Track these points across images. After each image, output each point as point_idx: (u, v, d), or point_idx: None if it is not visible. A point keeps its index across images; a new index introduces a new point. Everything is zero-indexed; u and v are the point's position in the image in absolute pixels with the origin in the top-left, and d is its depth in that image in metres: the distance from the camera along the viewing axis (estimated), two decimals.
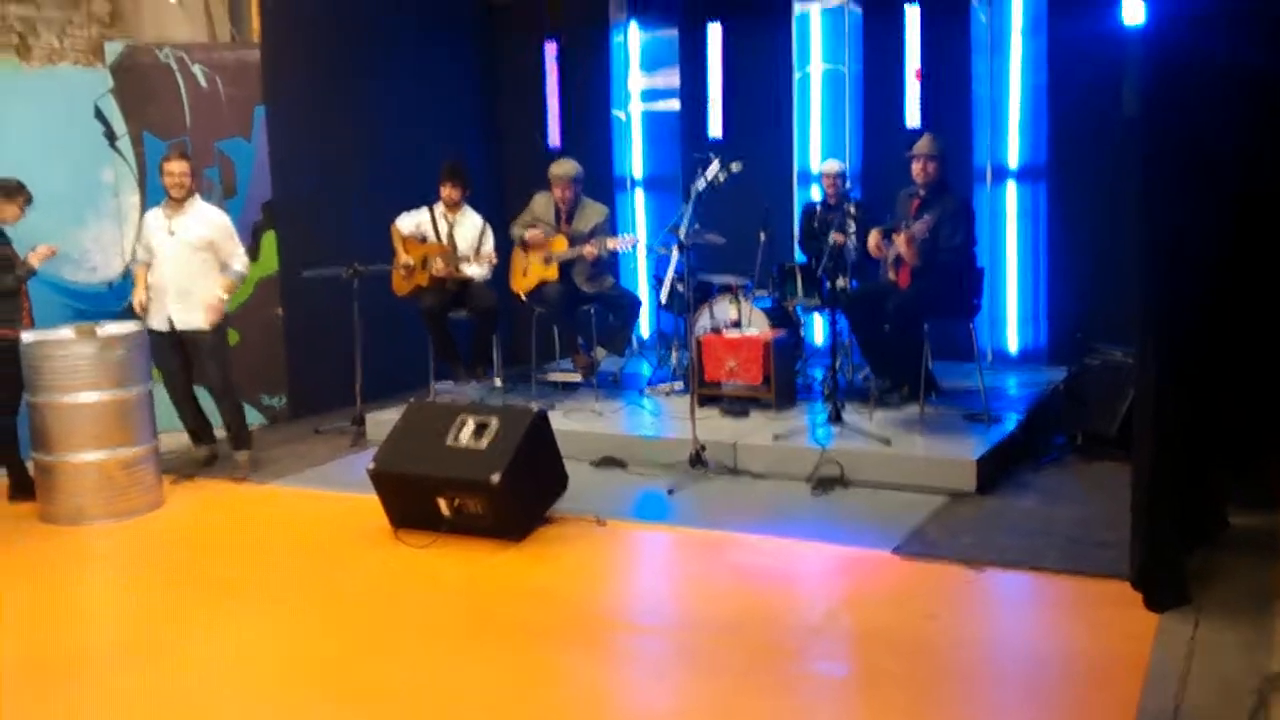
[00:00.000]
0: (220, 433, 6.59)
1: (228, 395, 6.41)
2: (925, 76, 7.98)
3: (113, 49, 7.32)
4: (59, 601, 4.70)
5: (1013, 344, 8.06)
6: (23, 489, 5.95)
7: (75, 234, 7.09)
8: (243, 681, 3.82)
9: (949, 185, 6.35)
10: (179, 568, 5.09)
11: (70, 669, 3.96)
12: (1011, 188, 7.99)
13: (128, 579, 5.08)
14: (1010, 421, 6.19)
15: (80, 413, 5.61)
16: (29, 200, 5.97)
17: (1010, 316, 8.03)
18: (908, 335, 6.16)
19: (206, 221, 6.26)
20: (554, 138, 9.26)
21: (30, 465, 5.89)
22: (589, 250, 7.00)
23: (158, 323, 6.27)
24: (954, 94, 7.96)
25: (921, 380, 6.24)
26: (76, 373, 5.59)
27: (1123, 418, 5.79)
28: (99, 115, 7.29)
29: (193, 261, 6.21)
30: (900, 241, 5.97)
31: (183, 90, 7.42)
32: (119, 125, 7.34)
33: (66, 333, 5.75)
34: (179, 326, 6.22)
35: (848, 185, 7.58)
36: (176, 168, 6.17)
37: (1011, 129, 7.92)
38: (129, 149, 7.37)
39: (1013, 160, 7.96)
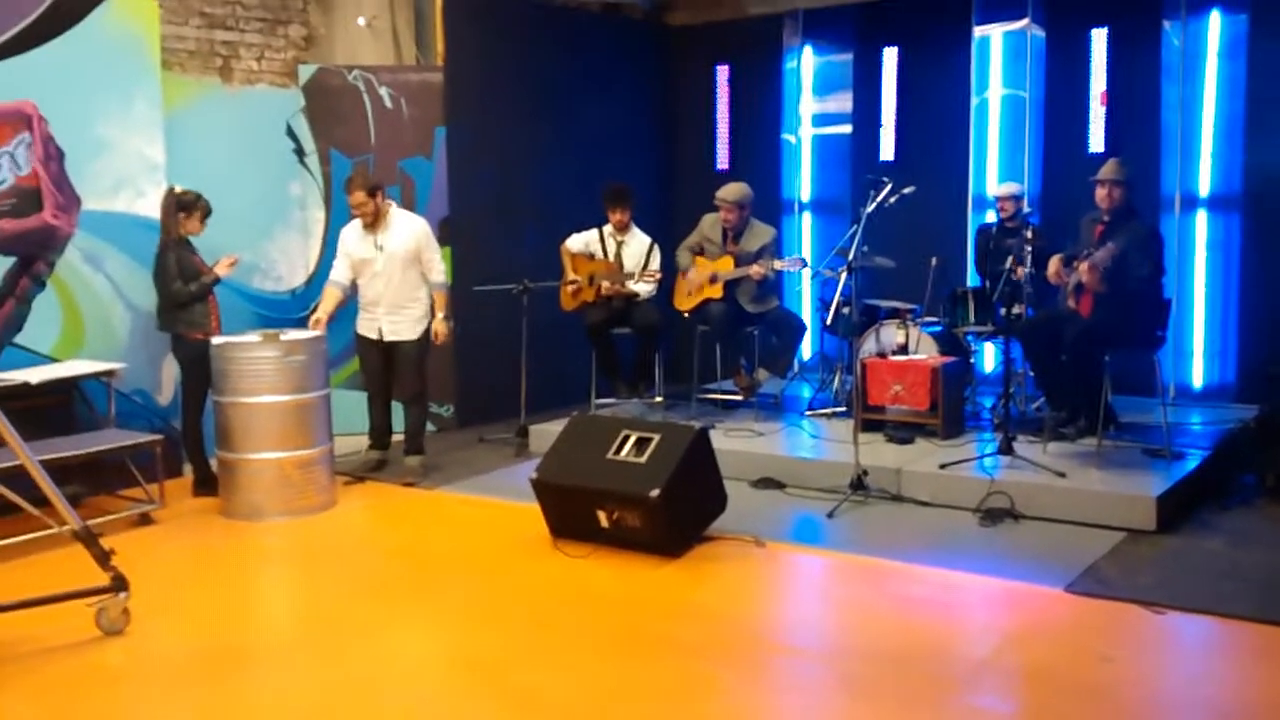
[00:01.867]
0: (397, 438, 6.80)
1: (417, 403, 6.61)
2: (1111, 101, 7.70)
3: (306, 71, 7.69)
4: (234, 594, 4.91)
5: (1197, 379, 7.66)
6: (206, 484, 6.25)
7: (263, 245, 7.46)
8: (404, 680, 3.91)
9: (1136, 211, 6.08)
10: (348, 567, 5.27)
11: (240, 662, 4.12)
12: (1202, 217, 7.62)
13: (299, 575, 5.29)
14: (1195, 459, 5.88)
15: (262, 413, 5.87)
16: (208, 212, 6.24)
17: (1196, 350, 7.64)
18: (1087, 366, 5.90)
19: (410, 231, 6.44)
20: (722, 160, 9.30)
21: (213, 462, 6.19)
22: (756, 270, 6.97)
23: (368, 330, 6.54)
24: (1142, 119, 7.65)
25: (1100, 413, 5.97)
26: (261, 376, 5.85)
27: None
28: (290, 133, 7.66)
29: (406, 277, 6.42)
30: (1083, 269, 5.73)
31: (369, 110, 7.73)
32: (308, 143, 7.70)
33: (253, 337, 6.04)
34: (388, 338, 6.44)
35: (1026, 209, 7.34)
36: (354, 200, 6.36)
37: (1203, 156, 7.56)
38: (316, 166, 7.72)
39: (1204, 189, 7.58)
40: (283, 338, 6.01)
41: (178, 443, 6.57)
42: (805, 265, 7.34)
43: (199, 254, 6.24)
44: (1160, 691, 3.73)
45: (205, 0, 7.23)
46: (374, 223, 6.41)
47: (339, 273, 6.57)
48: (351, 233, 6.54)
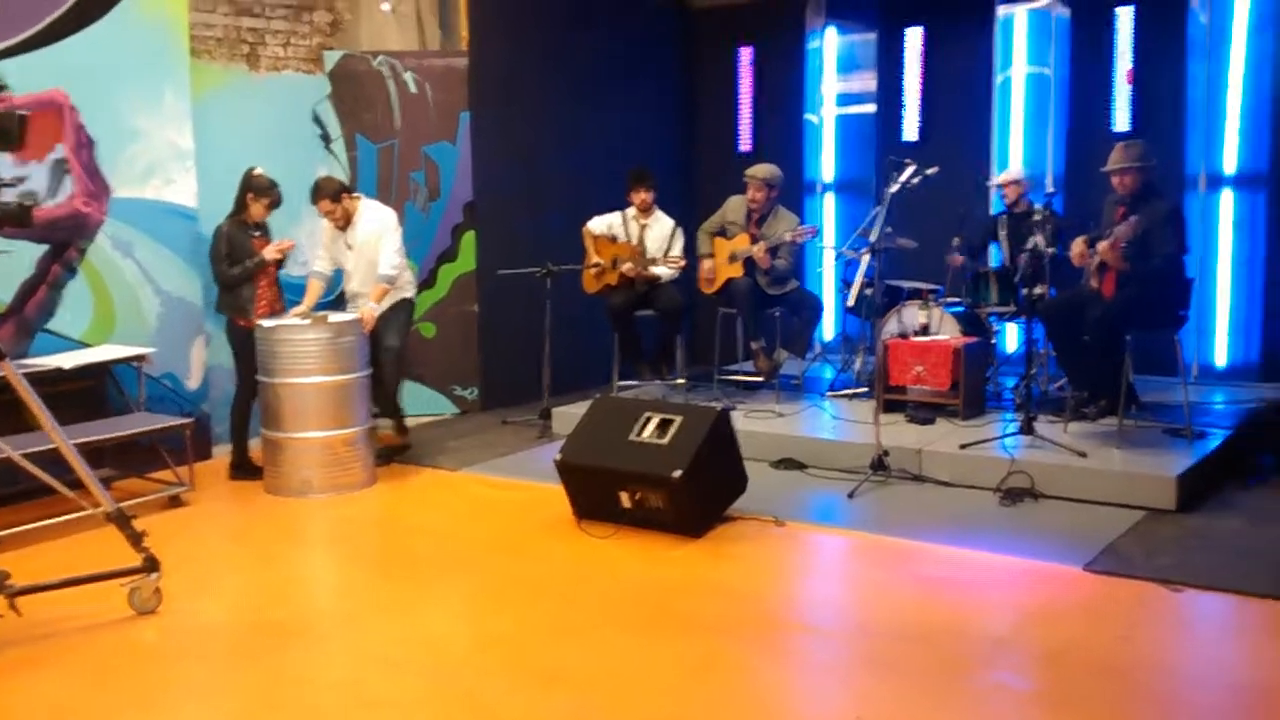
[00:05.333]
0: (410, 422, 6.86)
1: (386, 389, 6.55)
2: (1136, 80, 7.65)
3: (331, 57, 7.75)
4: (266, 573, 5.01)
5: (1221, 358, 7.64)
6: (243, 468, 6.36)
7: (291, 230, 7.48)
8: (431, 658, 3.98)
9: (1158, 190, 6.04)
10: (376, 545, 5.39)
11: (270, 639, 4.21)
12: (1227, 196, 7.57)
13: (328, 553, 5.41)
14: (1216, 438, 5.88)
15: (314, 393, 5.98)
16: (277, 202, 6.31)
17: (1220, 329, 7.61)
18: (1109, 346, 5.90)
19: (374, 225, 6.45)
20: (745, 142, 9.31)
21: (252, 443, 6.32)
22: (758, 252, 6.95)
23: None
24: (1167, 97, 7.61)
25: (1122, 393, 5.97)
26: (313, 357, 5.97)
27: None
28: (316, 119, 7.73)
29: (375, 272, 6.43)
30: (1103, 247, 5.73)
31: (393, 96, 7.79)
32: (334, 129, 7.77)
33: (301, 320, 6.12)
34: (367, 329, 6.45)
35: (1050, 190, 7.29)
36: (321, 210, 6.43)
37: (1229, 134, 7.51)
38: (342, 151, 7.79)
39: (1229, 167, 7.54)
40: (331, 319, 6.12)
41: (207, 426, 6.70)
42: (817, 234, 7.31)
43: (268, 237, 6.33)
44: (1179, 669, 3.76)
45: None
46: (344, 225, 6.48)
47: (320, 264, 6.66)
48: (328, 230, 6.60)
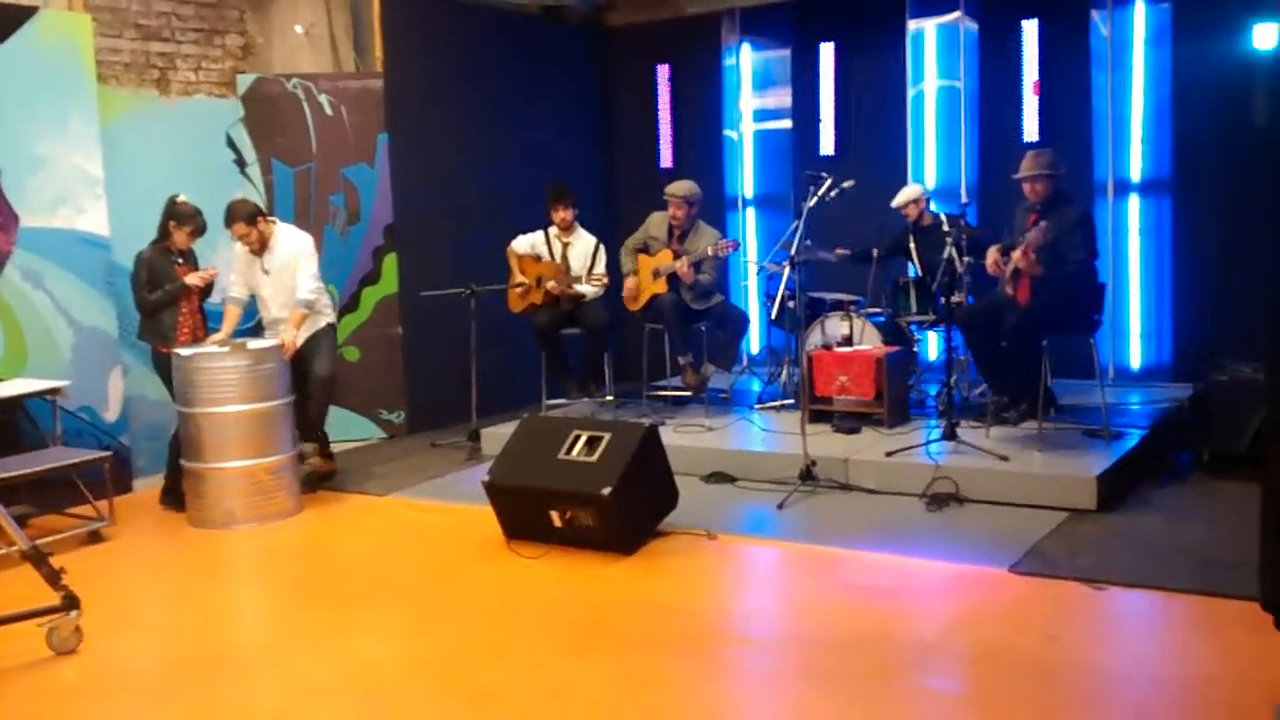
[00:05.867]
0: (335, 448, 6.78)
1: (313, 415, 6.52)
2: (1043, 90, 7.85)
3: (244, 80, 7.65)
4: (191, 607, 4.90)
5: (1135, 360, 7.84)
6: (172, 495, 6.21)
7: (208, 258, 7.36)
8: (363, 685, 3.93)
9: (1067, 197, 6.20)
10: (305, 574, 5.31)
11: (198, 674, 4.11)
12: (1134, 201, 7.79)
13: (256, 584, 5.31)
14: (1133, 438, 6.03)
15: (237, 421, 5.87)
16: (200, 230, 6.22)
17: (1133, 332, 7.82)
18: (1026, 351, 6.03)
19: (291, 250, 6.35)
20: (666, 159, 9.36)
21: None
22: (681, 268, 6.98)
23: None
24: (1073, 108, 7.81)
25: (1040, 396, 6.10)
26: (235, 385, 5.85)
27: (1252, 434, 5.59)
28: (230, 143, 7.61)
29: (292, 294, 6.35)
30: (1017, 255, 5.86)
31: (309, 118, 7.70)
32: (249, 153, 7.65)
33: (220, 348, 6.00)
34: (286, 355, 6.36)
35: (965, 200, 7.43)
36: (236, 233, 6.27)
37: (1133, 142, 7.73)
38: (258, 176, 7.68)
39: (1135, 174, 7.76)
40: (250, 346, 6.01)
41: (127, 459, 6.55)
42: (738, 247, 7.37)
43: (193, 265, 6.25)
44: (1104, 667, 3.83)
45: (140, 12, 7.16)
46: (260, 249, 6.37)
47: (237, 290, 6.52)
48: (242, 256, 6.46)
